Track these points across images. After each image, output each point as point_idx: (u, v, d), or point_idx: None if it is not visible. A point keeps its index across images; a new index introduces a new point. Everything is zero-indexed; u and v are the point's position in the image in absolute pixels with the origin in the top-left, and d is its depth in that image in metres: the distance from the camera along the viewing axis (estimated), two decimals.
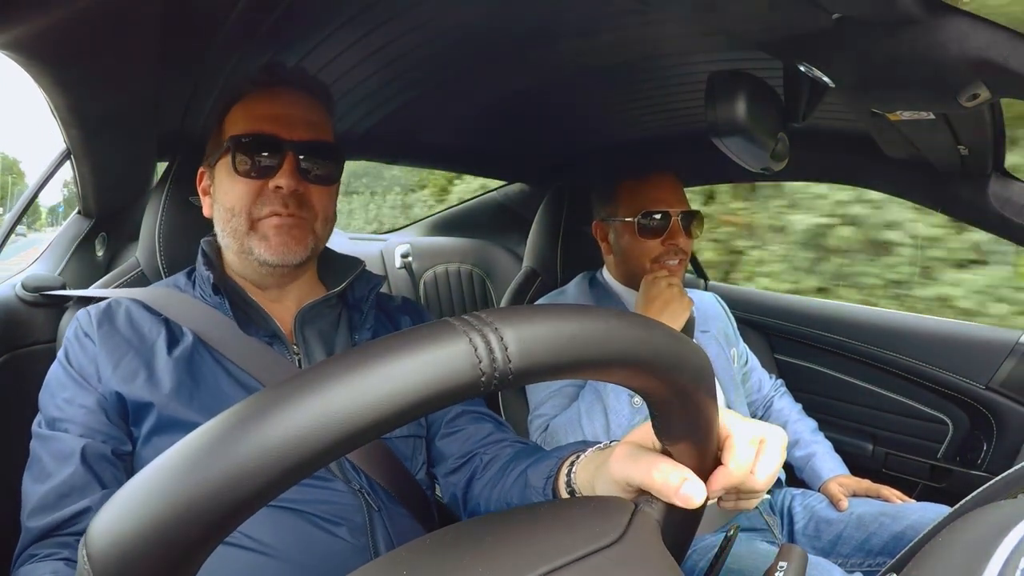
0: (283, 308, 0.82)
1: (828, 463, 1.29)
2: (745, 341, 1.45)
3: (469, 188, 4.92)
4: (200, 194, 0.84)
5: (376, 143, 1.40)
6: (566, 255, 1.54)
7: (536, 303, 1.31)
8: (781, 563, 0.39)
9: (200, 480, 0.23)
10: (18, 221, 1.17)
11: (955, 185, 1.07)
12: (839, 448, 1.37)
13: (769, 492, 1.26)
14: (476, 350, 0.25)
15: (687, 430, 0.37)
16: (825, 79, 0.67)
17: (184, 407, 0.69)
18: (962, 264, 2.58)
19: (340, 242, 0.85)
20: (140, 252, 1.02)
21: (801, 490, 1.25)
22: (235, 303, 0.77)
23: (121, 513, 0.23)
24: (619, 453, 0.44)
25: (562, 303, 1.05)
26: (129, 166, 1.11)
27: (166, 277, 0.95)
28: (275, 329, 0.78)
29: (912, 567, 0.42)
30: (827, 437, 1.36)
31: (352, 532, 0.69)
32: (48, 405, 0.71)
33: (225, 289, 0.77)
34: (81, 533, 0.64)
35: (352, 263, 0.87)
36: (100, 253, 1.22)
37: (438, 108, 1.25)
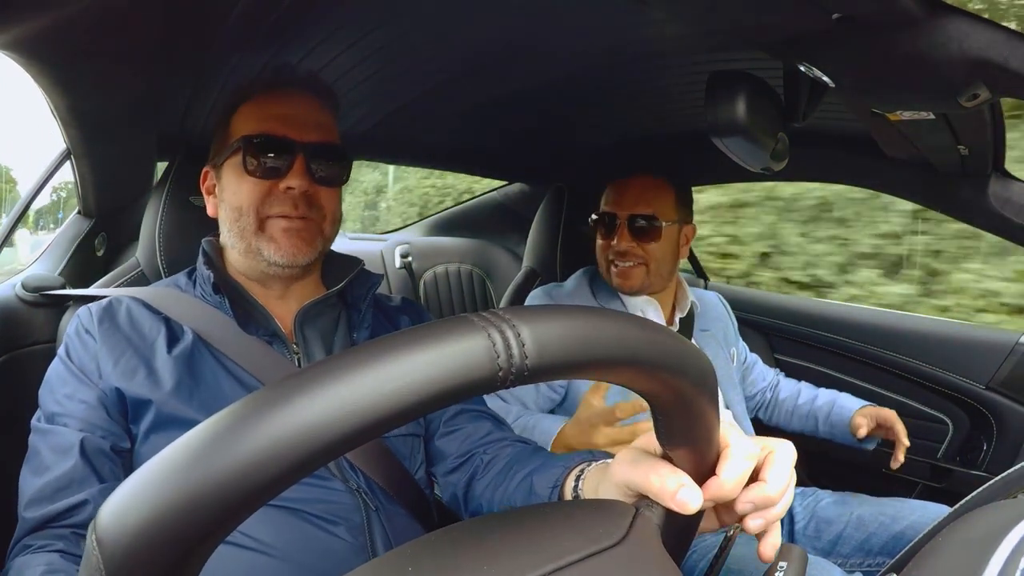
0: (284, 307, 0.82)
1: (851, 401, 1.32)
2: (745, 341, 1.45)
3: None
4: (204, 193, 0.84)
5: (376, 143, 1.40)
6: (566, 255, 1.54)
7: (531, 295, 1.31)
8: (781, 563, 0.39)
9: (224, 464, 0.22)
10: (17, 222, 1.17)
11: (955, 185, 1.07)
12: (839, 447, 1.38)
13: None
14: (495, 345, 0.26)
15: (687, 436, 0.37)
16: (825, 79, 0.68)
17: (184, 404, 0.69)
18: None
19: (340, 242, 0.86)
20: (140, 252, 1.02)
21: (800, 489, 1.25)
22: (235, 302, 0.77)
23: (133, 498, 0.23)
24: (622, 458, 0.44)
25: (576, 304, 1.05)
26: (129, 166, 1.11)
27: (166, 277, 0.95)
28: (275, 328, 0.78)
29: (912, 567, 0.42)
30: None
31: (350, 531, 0.70)
32: (48, 400, 0.71)
33: (226, 288, 0.77)
34: (77, 526, 0.64)
35: (351, 262, 0.87)
36: (100, 253, 1.22)
37: (438, 108, 1.25)
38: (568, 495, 0.57)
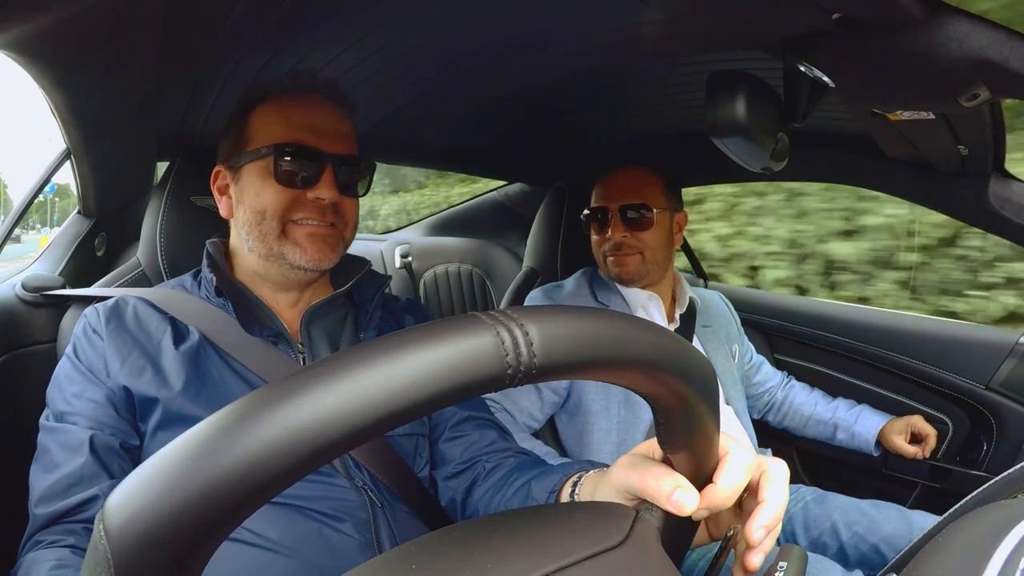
0: (291, 307, 0.82)
1: (874, 414, 1.37)
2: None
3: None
4: (216, 193, 0.84)
5: (376, 143, 1.40)
6: (566, 255, 1.54)
7: (529, 296, 1.32)
8: (781, 563, 0.39)
9: (234, 455, 0.22)
10: (17, 223, 1.17)
11: (955, 185, 1.07)
12: (840, 448, 1.38)
13: None
14: (503, 343, 0.26)
15: (687, 440, 0.38)
16: (825, 79, 0.68)
17: (191, 403, 0.70)
18: None
19: None
20: (141, 252, 1.02)
21: (800, 488, 1.25)
22: (239, 304, 0.78)
23: (141, 488, 0.23)
24: (621, 462, 0.45)
25: (580, 305, 1.05)
26: (129, 166, 1.11)
27: (167, 276, 0.96)
28: (280, 329, 0.79)
29: (912, 567, 0.42)
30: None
31: (356, 528, 0.70)
32: (56, 399, 0.72)
33: (229, 291, 0.78)
34: (88, 521, 0.65)
35: (359, 263, 0.88)
36: (100, 253, 1.22)
37: (438, 108, 1.25)
38: (564, 500, 0.57)
